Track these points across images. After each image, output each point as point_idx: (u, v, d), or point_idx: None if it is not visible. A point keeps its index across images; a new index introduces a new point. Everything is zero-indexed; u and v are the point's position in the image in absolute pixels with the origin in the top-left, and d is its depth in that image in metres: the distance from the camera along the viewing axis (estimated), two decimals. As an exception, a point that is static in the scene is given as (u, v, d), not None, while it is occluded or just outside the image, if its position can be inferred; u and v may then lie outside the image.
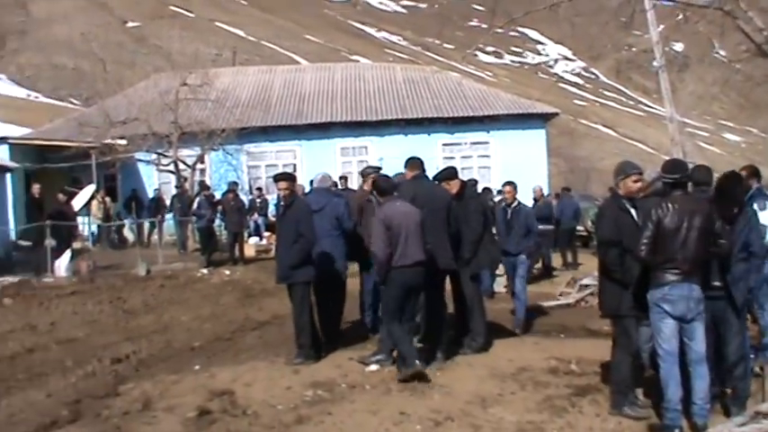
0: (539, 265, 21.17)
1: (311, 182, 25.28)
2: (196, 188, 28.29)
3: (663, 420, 7.49)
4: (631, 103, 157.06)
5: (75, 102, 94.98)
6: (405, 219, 9.45)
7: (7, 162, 27.58)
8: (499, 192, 17.68)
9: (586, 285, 17.22)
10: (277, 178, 11.03)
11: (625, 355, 8.04)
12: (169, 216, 29.25)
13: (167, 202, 29.70)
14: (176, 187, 29.90)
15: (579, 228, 26.78)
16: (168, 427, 7.95)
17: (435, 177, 11.20)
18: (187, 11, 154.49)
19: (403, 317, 9.65)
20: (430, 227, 9.82)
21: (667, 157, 10.22)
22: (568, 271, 21.87)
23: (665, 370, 7.48)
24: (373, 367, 9.86)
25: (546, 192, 29.65)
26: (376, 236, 9.54)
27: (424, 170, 10.67)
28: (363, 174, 12.05)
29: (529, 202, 22.58)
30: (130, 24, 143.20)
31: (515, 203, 13.66)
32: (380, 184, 10.14)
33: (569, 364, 9.99)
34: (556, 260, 22.83)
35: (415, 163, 10.67)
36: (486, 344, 10.80)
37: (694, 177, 8.14)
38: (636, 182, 8.08)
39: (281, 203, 11.23)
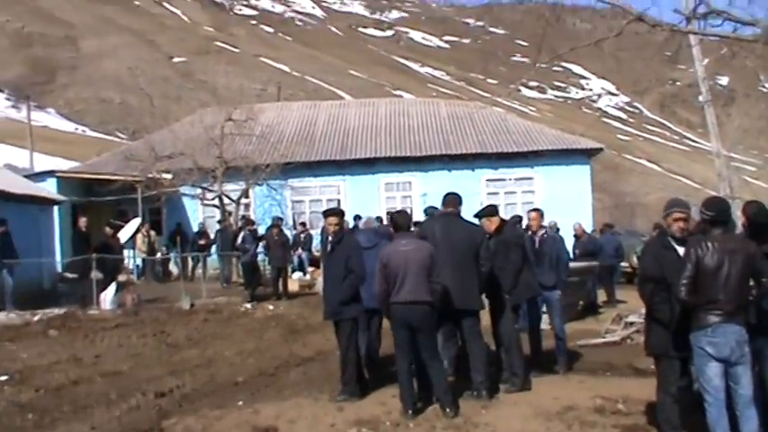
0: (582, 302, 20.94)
1: (355, 217, 25.49)
2: (240, 223, 28.46)
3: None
4: (676, 137, 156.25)
5: (121, 136, 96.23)
6: (403, 258, 9.40)
7: (55, 195, 27.89)
8: None
9: (632, 323, 17.01)
10: (326, 213, 11.06)
11: (666, 396, 7.89)
12: (213, 250, 29.40)
13: (212, 237, 29.83)
14: (218, 222, 30.07)
15: (624, 264, 26.52)
16: (212, 464, 7.93)
17: (476, 215, 11.17)
18: (232, 46, 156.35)
19: (406, 355, 9.57)
20: (449, 265, 9.76)
21: (714, 193, 10.02)
22: (612, 308, 21.62)
23: (711, 414, 7.30)
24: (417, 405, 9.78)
25: (590, 228, 29.46)
26: (376, 273, 9.61)
27: (458, 207, 10.57)
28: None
29: (570, 240, 22.47)
30: (177, 60, 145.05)
31: (542, 231, 12.82)
32: (396, 219, 10.15)
33: (616, 403, 9.83)
34: (602, 297, 22.58)
35: (448, 199, 10.60)
36: (525, 381, 10.68)
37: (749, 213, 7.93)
38: (676, 220, 7.85)
39: (330, 239, 11.17)
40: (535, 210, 13.22)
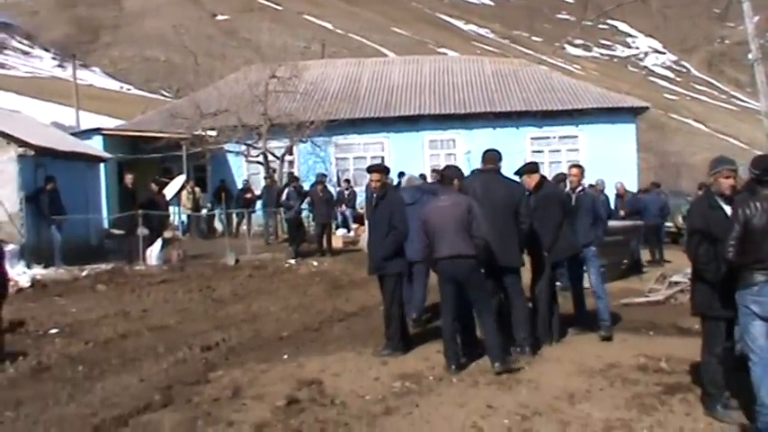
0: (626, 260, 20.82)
1: (399, 174, 25.49)
2: (285, 179, 28.59)
3: (755, 423, 7.29)
4: (723, 96, 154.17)
5: (165, 94, 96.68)
6: (440, 213, 9.47)
7: (101, 152, 28.15)
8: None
9: (676, 282, 16.92)
10: (370, 169, 11.15)
11: (711, 356, 7.80)
12: (258, 207, 29.59)
13: (256, 193, 29.99)
14: (265, 178, 30.21)
15: (668, 224, 26.34)
16: (258, 415, 8.03)
17: (517, 172, 11.13)
18: (276, 4, 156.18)
19: (451, 310, 9.62)
20: (489, 222, 9.68)
21: (762, 153, 9.84)
22: (657, 267, 21.50)
23: (756, 373, 7.21)
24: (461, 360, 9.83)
25: (635, 187, 29.24)
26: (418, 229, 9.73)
27: (497, 163, 10.53)
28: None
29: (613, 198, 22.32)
30: (220, 17, 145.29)
31: (580, 188, 12.24)
32: (444, 172, 10.13)
33: (659, 361, 9.81)
34: (645, 256, 22.47)
35: (487, 156, 10.56)
36: (535, 346, 10.47)
37: None
38: (727, 178, 7.71)
39: (374, 195, 11.21)
40: (575, 166, 12.81)
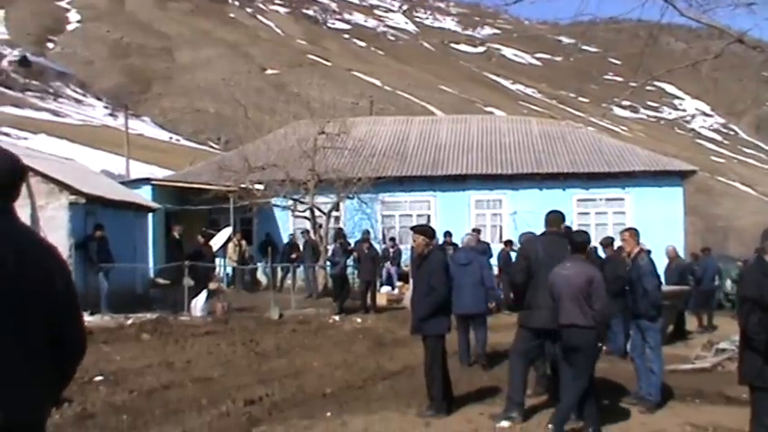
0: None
1: (445, 233, 25.55)
2: (331, 235, 28.75)
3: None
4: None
5: (214, 145, 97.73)
6: (562, 280, 9.40)
7: (150, 202, 28.47)
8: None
9: (723, 349, 16.70)
10: (414, 230, 11.19)
11: (760, 427, 7.69)
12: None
13: (301, 248, 30.10)
14: (302, 233, 30.43)
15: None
16: (301, 473, 8.02)
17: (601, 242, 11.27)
18: (325, 60, 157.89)
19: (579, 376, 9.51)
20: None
21: None
22: (704, 334, 21.25)
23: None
24: (504, 423, 9.76)
25: (683, 251, 28.99)
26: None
27: (560, 226, 10.55)
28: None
29: (663, 261, 22.09)
30: (270, 72, 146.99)
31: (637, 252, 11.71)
32: (573, 238, 10.03)
33: (705, 431, 9.70)
34: (690, 323, 22.19)
35: (551, 218, 10.56)
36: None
37: None
38: None
39: (417, 254, 11.26)
40: (627, 229, 12.29)
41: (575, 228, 30.11)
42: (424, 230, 11.14)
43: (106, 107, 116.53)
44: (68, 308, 3.92)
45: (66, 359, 3.97)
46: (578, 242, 9.82)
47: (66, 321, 3.89)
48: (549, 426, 9.26)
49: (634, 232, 11.92)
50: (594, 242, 22.09)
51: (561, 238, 10.40)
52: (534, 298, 9.84)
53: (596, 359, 9.74)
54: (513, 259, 20.84)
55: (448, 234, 26.17)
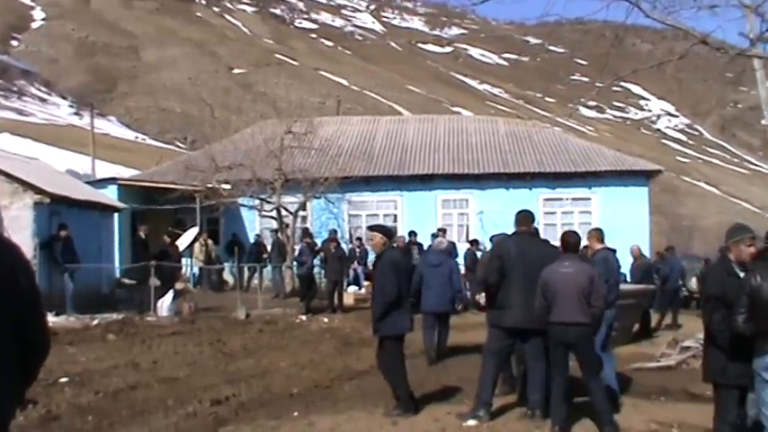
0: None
1: (410, 233, 25.62)
2: (298, 234, 28.73)
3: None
4: (735, 160, 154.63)
5: (180, 145, 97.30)
6: (562, 278, 9.45)
7: (116, 202, 28.30)
8: None
9: (688, 347, 16.85)
10: (369, 228, 11.38)
11: (723, 424, 7.76)
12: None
13: (268, 248, 30.04)
14: (271, 233, 30.40)
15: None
16: (267, 473, 8.00)
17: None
18: (292, 59, 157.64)
19: (563, 372, 9.62)
20: (521, 283, 9.81)
21: None
22: (669, 332, 21.41)
23: (771, 440, 7.23)
24: (471, 422, 9.78)
25: (648, 250, 29.18)
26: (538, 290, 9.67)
27: (531, 225, 10.60)
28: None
29: (628, 260, 22.26)
30: (237, 71, 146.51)
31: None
32: (567, 238, 10.01)
33: (670, 428, 9.75)
34: (655, 321, 22.34)
35: (522, 217, 10.56)
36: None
37: None
38: (749, 246, 7.69)
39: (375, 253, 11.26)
40: (593, 229, 12.55)
41: (540, 228, 30.39)
42: (378, 229, 11.12)
43: (71, 106, 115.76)
44: (33, 307, 3.90)
45: (29, 359, 3.95)
46: (572, 242, 9.87)
47: (30, 320, 3.87)
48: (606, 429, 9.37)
49: (599, 233, 12.07)
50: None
51: (533, 237, 10.51)
52: (506, 298, 9.88)
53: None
54: (483, 259, 21.06)
55: (413, 234, 26.26)
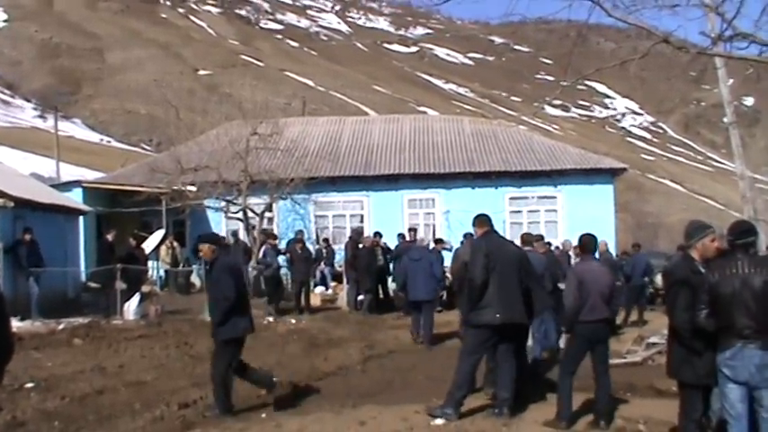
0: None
1: (375, 234, 25.85)
2: (257, 237, 28.74)
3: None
4: (700, 158, 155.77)
5: (146, 147, 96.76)
6: (596, 279, 9.82)
7: (80, 205, 28.13)
8: None
9: (654, 343, 16.99)
10: (200, 239, 11.58)
11: (689, 422, 7.86)
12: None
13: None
14: (232, 235, 30.37)
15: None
16: (235, 475, 7.99)
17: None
18: (258, 60, 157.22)
19: (575, 368, 9.98)
20: (499, 281, 9.96)
21: (737, 214, 9.89)
22: (635, 328, 21.55)
23: (733, 436, 7.31)
24: (439, 421, 9.82)
25: (614, 247, 29.37)
26: (571, 288, 9.92)
27: (492, 226, 10.72)
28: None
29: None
30: (202, 72, 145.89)
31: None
32: (586, 241, 10.39)
33: (637, 424, 9.85)
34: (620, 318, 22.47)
35: (483, 220, 10.78)
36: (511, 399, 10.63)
37: None
38: (713, 241, 7.84)
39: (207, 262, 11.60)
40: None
41: (507, 226, 30.56)
42: (207, 239, 11.41)
43: (35, 109, 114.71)
44: None
45: None
46: (592, 244, 10.44)
47: None
48: (601, 423, 9.76)
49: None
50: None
51: (501, 237, 10.82)
52: (486, 296, 9.98)
53: None
54: (446, 258, 21.39)
55: (378, 234, 26.32)
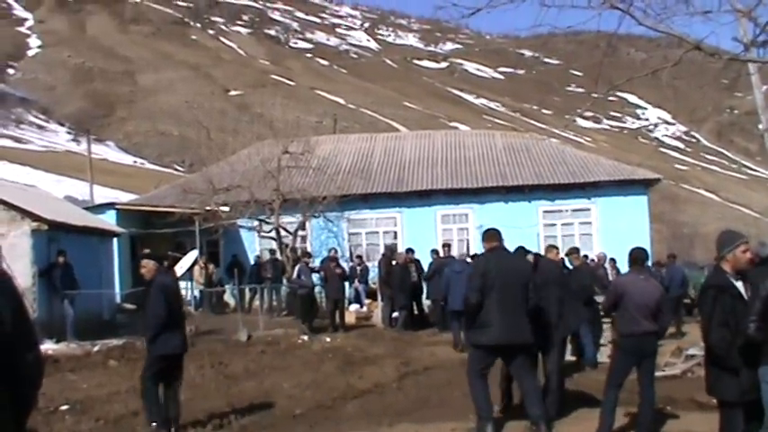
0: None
1: (407, 250, 25.74)
2: (290, 255, 28.77)
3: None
4: (734, 166, 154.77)
5: (179, 168, 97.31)
6: (642, 291, 9.76)
7: (114, 227, 28.26)
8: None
9: (693, 355, 16.77)
10: (143, 256, 12.21)
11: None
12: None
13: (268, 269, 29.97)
14: (270, 252, 30.35)
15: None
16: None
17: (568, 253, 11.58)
18: (288, 79, 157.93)
19: (621, 384, 9.89)
20: (503, 299, 9.81)
21: None
22: (673, 340, 21.29)
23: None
24: (475, 439, 9.72)
25: (649, 260, 29.11)
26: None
27: (501, 241, 10.57)
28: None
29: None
30: (233, 93, 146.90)
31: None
32: (635, 254, 10.28)
33: (678, 438, 9.72)
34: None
35: (491, 234, 10.57)
36: (557, 415, 10.70)
37: None
38: (745, 252, 7.56)
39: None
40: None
41: (541, 240, 30.36)
42: (153, 256, 11.99)
43: (69, 132, 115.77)
44: (18, 334, 3.85)
45: (21, 386, 3.90)
46: (641, 257, 10.24)
47: (16, 348, 3.82)
48: None
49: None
50: (561, 253, 22.23)
51: (507, 252, 10.57)
52: (486, 316, 9.83)
53: None
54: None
55: (410, 251, 26.26)
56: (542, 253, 13.70)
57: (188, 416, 11.85)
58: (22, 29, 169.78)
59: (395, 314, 24.55)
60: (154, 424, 10.84)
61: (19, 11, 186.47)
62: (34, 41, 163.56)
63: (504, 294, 9.82)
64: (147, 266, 11.34)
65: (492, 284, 9.83)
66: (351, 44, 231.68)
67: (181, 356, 11.36)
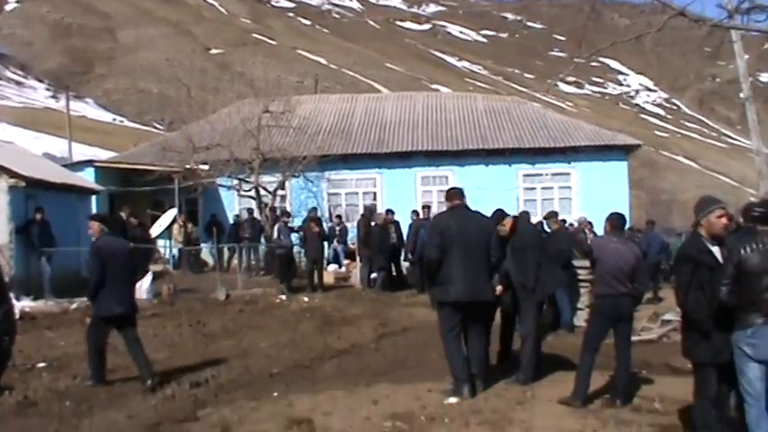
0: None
1: (387, 211, 25.75)
2: (268, 214, 28.76)
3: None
4: (714, 134, 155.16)
5: (158, 126, 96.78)
6: (618, 255, 9.85)
7: (92, 184, 28.10)
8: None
9: (669, 321, 16.87)
10: (90, 218, 12.63)
11: (704, 401, 7.71)
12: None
13: (246, 227, 29.96)
14: (249, 211, 30.31)
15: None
16: (247, 454, 7.93)
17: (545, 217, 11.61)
18: (270, 38, 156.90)
19: (597, 347, 9.97)
20: (464, 256, 9.88)
21: (752, 191, 9.69)
22: (650, 305, 21.40)
23: (751, 415, 7.13)
24: (452, 399, 9.75)
25: (627, 224, 29.23)
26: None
27: (463, 199, 10.56)
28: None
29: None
30: (214, 51, 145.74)
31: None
32: (614, 219, 10.42)
33: (652, 402, 9.76)
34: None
35: (453, 193, 10.62)
36: (532, 378, 10.80)
37: None
38: (720, 217, 7.61)
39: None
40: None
41: (520, 203, 30.42)
42: (99, 218, 12.43)
43: (48, 89, 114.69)
44: None
45: None
46: (616, 223, 10.36)
47: None
48: (617, 401, 9.75)
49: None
50: (539, 217, 22.42)
51: (469, 211, 10.50)
52: (449, 272, 9.89)
53: None
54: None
55: (390, 212, 26.25)
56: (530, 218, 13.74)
57: (166, 375, 11.84)
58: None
59: (373, 275, 24.60)
60: (89, 382, 11.21)
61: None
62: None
63: (465, 251, 9.90)
64: (93, 228, 11.53)
65: (452, 241, 9.90)
66: (333, 4, 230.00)
67: (125, 317, 11.49)
